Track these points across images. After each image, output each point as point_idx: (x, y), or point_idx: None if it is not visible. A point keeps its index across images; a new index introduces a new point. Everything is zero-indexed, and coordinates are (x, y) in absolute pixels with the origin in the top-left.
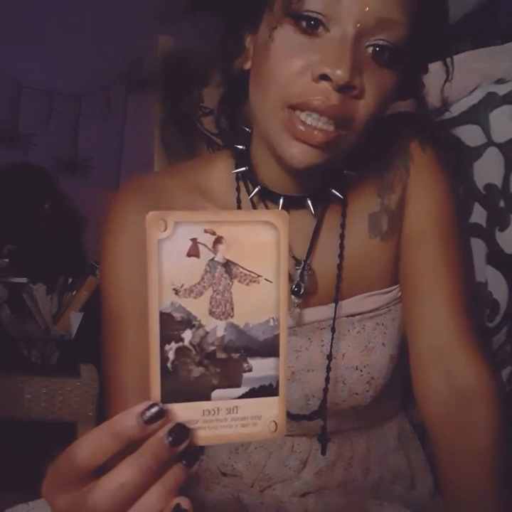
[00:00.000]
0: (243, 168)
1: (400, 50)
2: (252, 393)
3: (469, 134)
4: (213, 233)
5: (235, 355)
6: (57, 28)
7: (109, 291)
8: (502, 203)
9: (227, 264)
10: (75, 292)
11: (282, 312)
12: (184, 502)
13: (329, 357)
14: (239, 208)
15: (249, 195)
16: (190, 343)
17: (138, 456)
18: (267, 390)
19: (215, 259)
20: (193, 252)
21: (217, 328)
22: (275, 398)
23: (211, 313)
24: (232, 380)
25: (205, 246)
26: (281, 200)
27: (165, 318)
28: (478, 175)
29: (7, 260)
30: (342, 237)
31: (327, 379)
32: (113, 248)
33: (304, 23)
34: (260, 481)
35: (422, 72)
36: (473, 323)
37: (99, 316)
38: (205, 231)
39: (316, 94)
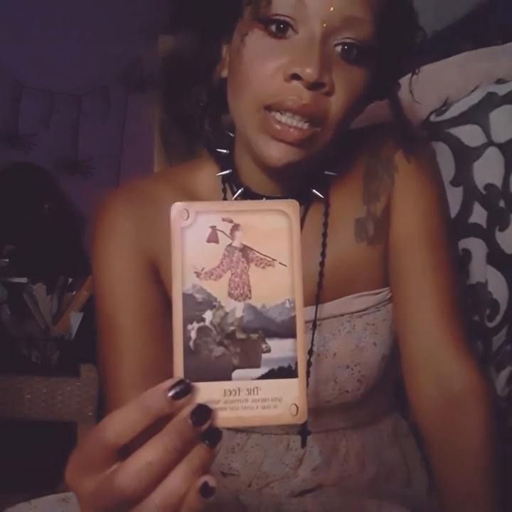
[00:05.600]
0: (227, 171)
1: (368, 47)
2: (271, 374)
3: (469, 134)
4: (231, 221)
5: (254, 336)
6: (57, 28)
7: (102, 295)
8: (502, 203)
9: (244, 249)
10: (75, 292)
11: (297, 294)
12: (211, 480)
13: (310, 352)
14: None
15: (232, 197)
16: (211, 323)
17: (163, 436)
18: (286, 371)
19: (233, 244)
20: (213, 238)
21: (236, 309)
22: (295, 380)
23: (230, 294)
24: (251, 361)
25: (224, 233)
26: None
27: (187, 299)
28: (478, 175)
29: (7, 260)
30: (324, 235)
31: (308, 373)
32: (103, 252)
33: (273, 27)
34: (258, 479)
35: (396, 72)
36: (462, 325)
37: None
38: (223, 219)
39: (289, 94)
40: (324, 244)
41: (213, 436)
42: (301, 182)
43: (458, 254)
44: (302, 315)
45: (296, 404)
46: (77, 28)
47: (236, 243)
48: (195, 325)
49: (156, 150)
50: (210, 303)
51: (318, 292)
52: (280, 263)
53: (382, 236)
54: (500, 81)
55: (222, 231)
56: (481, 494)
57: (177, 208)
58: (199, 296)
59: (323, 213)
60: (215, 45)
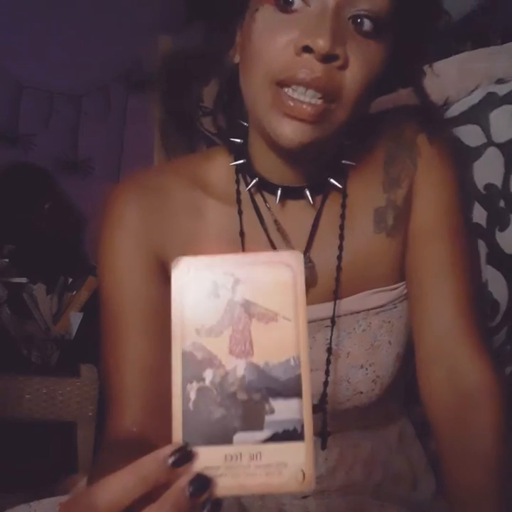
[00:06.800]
0: (241, 161)
1: (383, 21)
2: (275, 438)
3: (469, 134)
4: (232, 275)
5: (256, 396)
6: (57, 28)
7: (108, 291)
8: (502, 203)
9: (246, 304)
10: (75, 292)
11: (303, 351)
12: None
13: (329, 350)
14: (238, 199)
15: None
16: (212, 382)
17: (159, 507)
18: (291, 434)
19: (234, 299)
20: (213, 292)
21: (237, 368)
22: (301, 444)
23: (231, 352)
24: (254, 423)
25: (225, 287)
26: (279, 191)
27: (187, 357)
28: (478, 175)
29: (7, 260)
30: (342, 227)
31: (327, 372)
32: (111, 247)
33: (283, 1)
34: None
35: (418, 55)
36: (478, 321)
37: (99, 316)
38: (225, 273)
39: (300, 67)
40: (342, 237)
41: (212, 508)
42: (317, 170)
43: (475, 244)
44: (308, 373)
45: (302, 470)
46: (77, 28)
47: (237, 298)
48: (195, 385)
49: (156, 150)
50: (210, 361)
51: (336, 288)
52: (284, 318)
53: (401, 227)
54: (500, 81)
55: (223, 285)
56: (490, 493)
57: (178, 262)
58: (199, 354)
59: (340, 204)
60: (229, 30)
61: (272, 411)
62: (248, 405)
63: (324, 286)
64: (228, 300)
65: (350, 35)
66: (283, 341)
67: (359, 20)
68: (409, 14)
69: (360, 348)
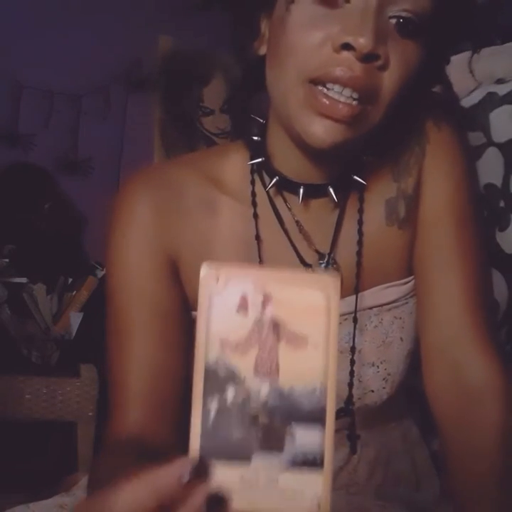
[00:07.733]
0: (259, 159)
1: (425, 21)
2: (293, 465)
3: (469, 134)
4: (264, 291)
5: (278, 421)
6: (57, 28)
7: (116, 290)
8: (502, 203)
9: (275, 324)
10: (75, 292)
11: (330, 381)
12: None
13: (353, 349)
14: (254, 201)
15: (265, 188)
16: (233, 401)
17: None
18: (310, 463)
19: (263, 317)
20: (243, 308)
21: (261, 389)
22: (320, 474)
23: (256, 372)
24: (273, 447)
25: (255, 303)
26: (301, 190)
27: (210, 372)
28: (478, 175)
29: (7, 260)
30: (360, 222)
31: (351, 373)
32: (121, 244)
33: None
34: None
35: (445, 58)
36: (486, 316)
37: (99, 316)
38: (256, 288)
39: (338, 65)
40: (360, 233)
41: None
42: (340, 168)
43: (487, 233)
44: (333, 404)
45: (318, 501)
46: (77, 28)
47: (266, 317)
48: (216, 401)
49: (156, 150)
50: (233, 379)
51: (356, 284)
52: (314, 344)
53: (412, 217)
54: (500, 81)
55: (253, 301)
56: (493, 491)
57: (207, 269)
58: (222, 371)
59: (358, 199)
60: (254, 18)
61: (293, 437)
62: (269, 429)
63: (346, 282)
64: (257, 317)
65: (390, 34)
66: (310, 368)
67: (401, 20)
68: (447, 14)
69: (372, 346)
